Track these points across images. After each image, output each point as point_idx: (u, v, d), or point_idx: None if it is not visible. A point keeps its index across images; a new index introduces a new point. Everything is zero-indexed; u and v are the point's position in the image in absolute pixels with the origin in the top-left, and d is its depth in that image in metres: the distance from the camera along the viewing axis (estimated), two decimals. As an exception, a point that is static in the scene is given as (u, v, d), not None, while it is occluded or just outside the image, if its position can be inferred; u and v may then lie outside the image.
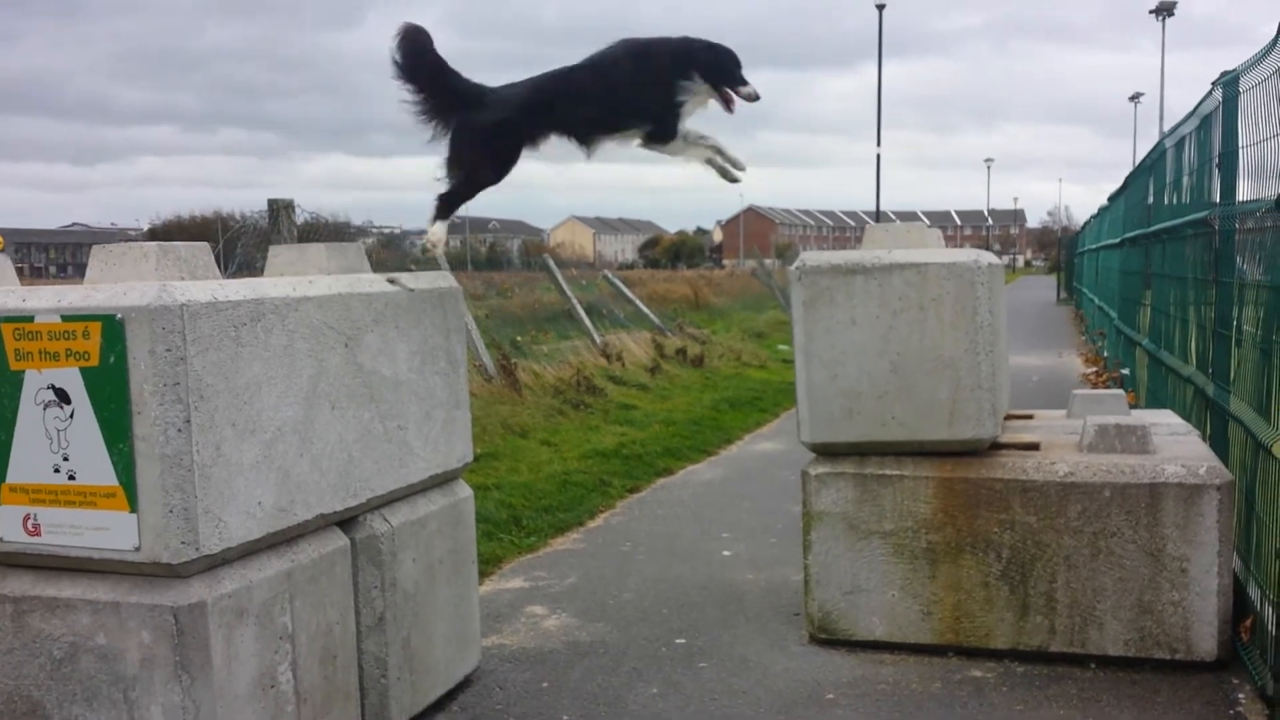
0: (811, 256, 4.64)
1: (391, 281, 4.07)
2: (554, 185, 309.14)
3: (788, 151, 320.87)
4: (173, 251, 3.48)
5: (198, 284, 3.24)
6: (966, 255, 4.52)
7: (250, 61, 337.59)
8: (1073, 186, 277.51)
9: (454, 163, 4.28)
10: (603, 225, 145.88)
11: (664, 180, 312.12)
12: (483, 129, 4.23)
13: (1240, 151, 4.97)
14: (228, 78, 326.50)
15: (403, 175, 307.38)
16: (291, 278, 3.66)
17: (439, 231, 4.34)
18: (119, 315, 3.05)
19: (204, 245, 3.61)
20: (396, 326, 3.97)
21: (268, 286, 3.45)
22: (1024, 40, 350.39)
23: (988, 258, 4.58)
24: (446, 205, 4.32)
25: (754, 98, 4.26)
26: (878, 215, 29.20)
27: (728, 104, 4.28)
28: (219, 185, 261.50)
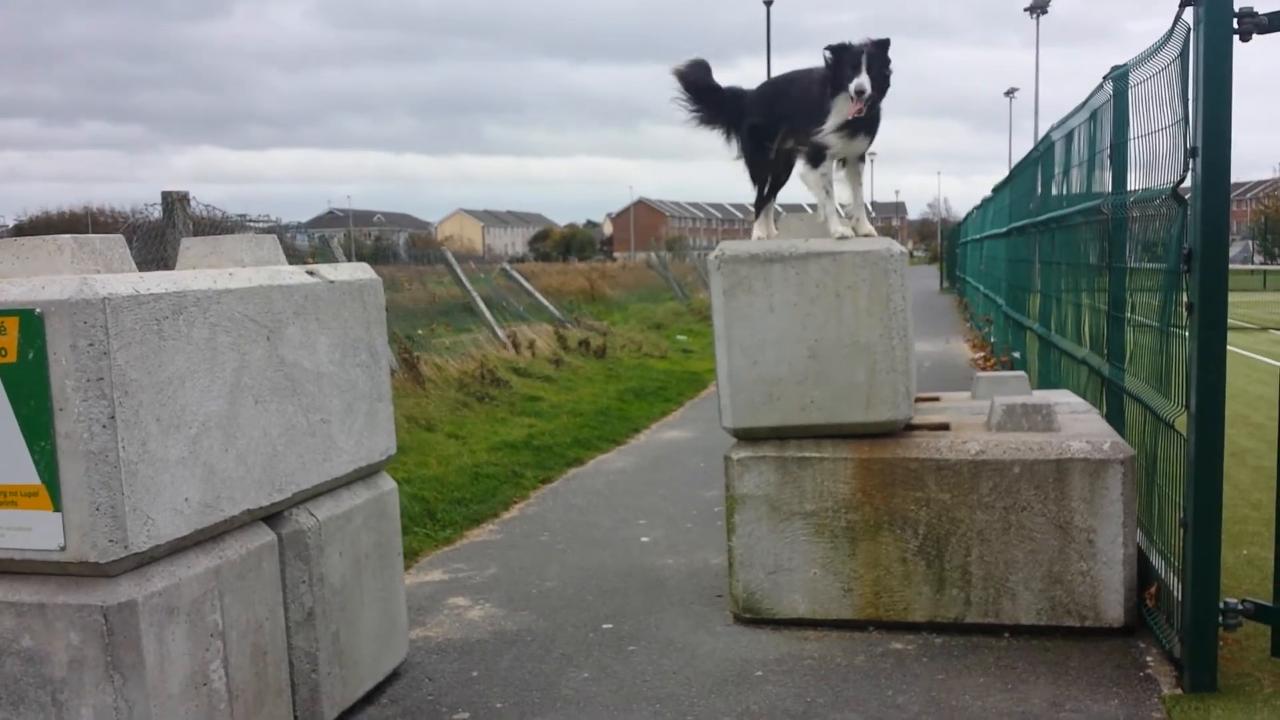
0: (730, 245, 4.71)
1: (311, 273, 4.01)
2: (440, 177, 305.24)
3: (671, 144, 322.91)
4: (88, 244, 3.38)
5: (118, 277, 3.15)
6: (880, 244, 4.65)
7: (112, 53, 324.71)
8: (946, 179, 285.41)
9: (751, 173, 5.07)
10: (491, 218, 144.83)
11: (550, 173, 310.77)
12: (746, 138, 4.99)
13: (1131, 143, 5.20)
14: (89, 70, 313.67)
15: (278, 167, 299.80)
16: (212, 270, 3.58)
17: (760, 229, 5.08)
18: (38, 310, 2.95)
19: (119, 237, 3.51)
20: (317, 319, 3.91)
21: (189, 279, 3.37)
22: (894, 36, 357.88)
23: (898, 247, 4.71)
24: (756, 207, 5.15)
25: (860, 91, 4.42)
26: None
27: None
28: (85, 180, 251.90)
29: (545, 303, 17.96)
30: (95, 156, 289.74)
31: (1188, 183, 3.99)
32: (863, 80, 4.39)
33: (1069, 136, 7.38)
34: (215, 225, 8.89)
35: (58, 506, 2.99)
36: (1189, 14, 3.91)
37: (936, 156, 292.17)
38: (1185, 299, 3.93)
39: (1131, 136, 5.20)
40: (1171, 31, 4.21)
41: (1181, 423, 3.99)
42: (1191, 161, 3.86)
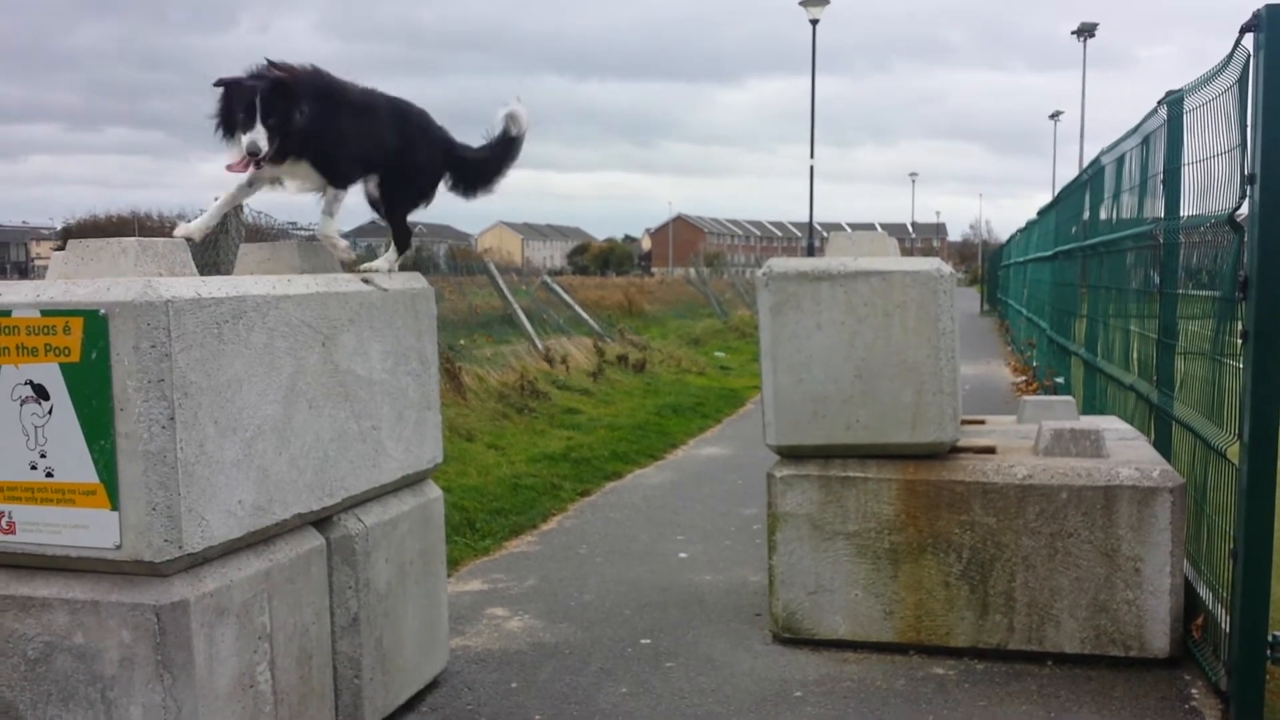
0: (778, 263, 4.72)
1: (366, 281, 4.06)
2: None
3: (692, 161, 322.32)
4: (152, 247, 3.43)
5: (180, 280, 3.21)
6: (929, 264, 4.64)
7: (123, 61, 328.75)
8: (969, 200, 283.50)
9: None
10: (531, 231, 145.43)
11: (572, 187, 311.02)
12: None
13: (1185, 168, 5.16)
14: (104, 76, 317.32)
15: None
16: (271, 276, 3.63)
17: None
18: (102, 310, 3.00)
19: (180, 241, 3.57)
20: (371, 326, 3.96)
21: (249, 284, 3.42)
22: (902, 59, 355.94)
23: (947, 267, 4.70)
24: None
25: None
26: (810, 226, 29.54)
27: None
28: (116, 185, 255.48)
29: (585, 316, 18.01)
30: (122, 161, 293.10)
31: (1244, 209, 3.96)
32: (255, 136, 3.55)
33: (1119, 161, 7.32)
34: (264, 232, 8.98)
35: (115, 505, 3.04)
36: (1249, 40, 3.88)
37: (959, 179, 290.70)
38: (1240, 326, 3.89)
39: (1185, 162, 5.15)
40: (1230, 57, 4.18)
41: (1233, 452, 3.94)
42: (1249, 188, 3.83)
